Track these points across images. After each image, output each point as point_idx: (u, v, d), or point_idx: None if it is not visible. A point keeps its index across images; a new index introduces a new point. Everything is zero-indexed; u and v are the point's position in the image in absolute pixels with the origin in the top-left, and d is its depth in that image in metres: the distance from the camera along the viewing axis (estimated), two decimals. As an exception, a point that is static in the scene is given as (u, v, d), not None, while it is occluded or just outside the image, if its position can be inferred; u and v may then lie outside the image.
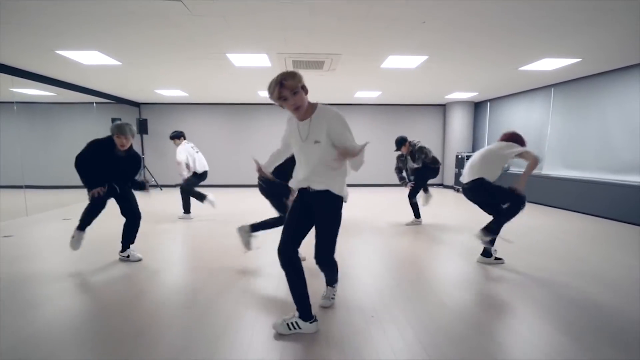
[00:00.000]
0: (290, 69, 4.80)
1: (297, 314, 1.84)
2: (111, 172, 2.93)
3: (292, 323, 1.82)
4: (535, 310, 2.15)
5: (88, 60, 4.41)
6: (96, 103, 7.87)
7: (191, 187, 4.77)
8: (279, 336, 1.80)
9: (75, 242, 3.03)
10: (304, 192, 1.82)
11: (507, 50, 4.05)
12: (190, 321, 1.98)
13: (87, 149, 2.86)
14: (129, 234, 3.15)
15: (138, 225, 3.16)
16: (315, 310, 1.91)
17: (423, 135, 8.77)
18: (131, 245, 3.16)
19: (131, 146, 2.94)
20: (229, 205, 5.85)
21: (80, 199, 7.15)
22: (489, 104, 7.97)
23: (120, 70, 4.95)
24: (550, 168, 6.14)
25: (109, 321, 1.97)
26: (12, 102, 7.77)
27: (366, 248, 3.48)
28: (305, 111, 1.69)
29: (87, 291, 2.44)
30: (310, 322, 1.83)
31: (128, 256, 3.10)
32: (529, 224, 4.59)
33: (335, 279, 2.19)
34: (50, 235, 4.04)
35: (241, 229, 2.96)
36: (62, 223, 4.62)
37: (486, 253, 3.13)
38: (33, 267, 2.92)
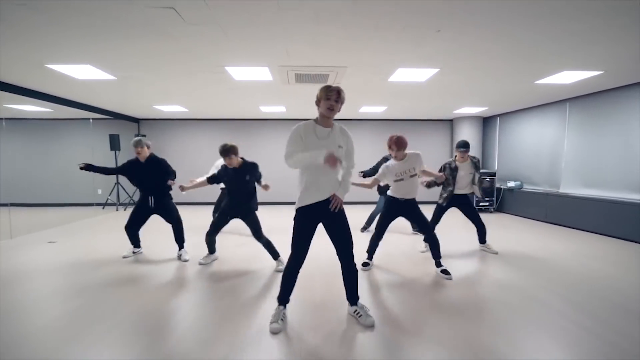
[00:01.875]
0: (293, 82, 4.57)
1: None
2: (142, 181, 3.72)
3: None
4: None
5: (81, 74, 4.20)
6: (92, 119, 7.68)
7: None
8: None
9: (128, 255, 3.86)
10: (317, 206, 2.13)
11: (525, 62, 3.78)
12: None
13: (121, 166, 3.79)
14: (176, 238, 3.87)
15: (180, 229, 3.87)
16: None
17: (429, 151, 8.48)
18: (183, 248, 3.86)
19: (152, 155, 3.76)
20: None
21: (71, 219, 6.81)
22: (498, 119, 7.70)
23: (115, 85, 4.74)
24: (568, 187, 5.78)
25: None
26: (1, 119, 7.63)
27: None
28: (329, 121, 2.15)
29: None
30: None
31: (180, 256, 3.80)
32: (549, 248, 4.20)
33: (357, 288, 2.33)
34: (34, 260, 3.70)
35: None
36: (47, 247, 4.30)
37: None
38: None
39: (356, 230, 5.06)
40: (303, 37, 3.07)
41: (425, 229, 3.35)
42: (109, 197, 7.82)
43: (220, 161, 4.57)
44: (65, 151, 8.29)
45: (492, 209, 7.27)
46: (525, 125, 6.86)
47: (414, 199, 3.24)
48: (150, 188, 3.71)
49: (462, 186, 3.87)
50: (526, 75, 4.31)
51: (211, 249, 3.61)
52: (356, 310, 2.25)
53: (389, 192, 3.32)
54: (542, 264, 3.58)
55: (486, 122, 8.10)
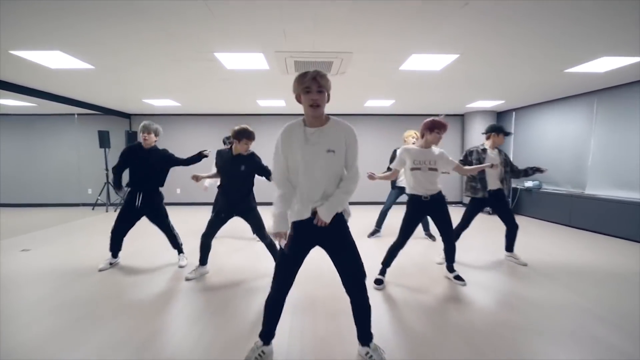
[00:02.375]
0: (292, 72, 4.07)
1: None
2: (135, 172, 3.26)
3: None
4: None
5: (53, 62, 3.73)
6: (78, 115, 7.23)
7: None
8: None
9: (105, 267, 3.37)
10: (304, 224, 1.64)
11: (557, 47, 3.27)
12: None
13: (121, 157, 3.31)
14: (172, 245, 3.52)
15: (172, 236, 3.48)
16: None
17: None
18: (183, 254, 3.53)
19: (156, 146, 3.36)
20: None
21: (56, 221, 6.29)
22: (514, 113, 7.16)
23: (95, 75, 4.27)
24: (595, 187, 5.26)
25: None
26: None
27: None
28: (318, 118, 1.63)
29: None
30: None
31: (179, 260, 3.49)
32: (582, 257, 3.69)
33: (370, 326, 1.82)
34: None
35: None
36: (18, 256, 3.85)
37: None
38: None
39: (362, 238, 4.60)
40: (302, 16, 2.58)
41: (449, 235, 2.88)
42: (99, 197, 7.39)
43: None
44: (49, 149, 7.83)
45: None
46: (545, 121, 6.33)
47: (439, 193, 2.83)
48: (140, 182, 3.26)
49: (494, 179, 3.40)
50: (556, 62, 3.79)
51: (204, 258, 3.13)
52: (368, 353, 1.77)
53: (408, 190, 2.88)
54: (578, 278, 3.09)
55: (500, 117, 7.56)
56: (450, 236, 2.91)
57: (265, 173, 3.04)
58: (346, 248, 1.68)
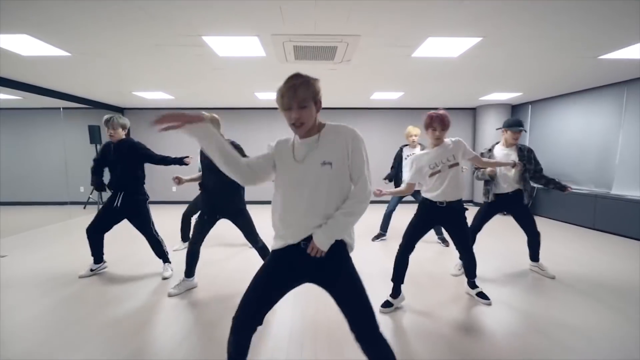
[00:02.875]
0: (292, 60, 3.65)
1: None
2: (111, 171, 3.02)
3: None
4: None
5: (23, 49, 3.33)
6: (64, 108, 6.84)
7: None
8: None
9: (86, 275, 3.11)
10: (292, 250, 1.30)
11: (594, 30, 2.82)
12: None
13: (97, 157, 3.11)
14: (156, 253, 3.15)
15: (155, 242, 3.10)
16: None
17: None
18: (167, 264, 3.16)
19: (127, 138, 3.03)
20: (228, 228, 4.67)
21: (45, 221, 5.84)
22: (530, 107, 6.70)
23: (74, 64, 3.87)
24: (623, 187, 4.82)
25: None
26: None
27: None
28: (310, 129, 1.31)
29: None
30: None
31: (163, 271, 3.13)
32: (609, 266, 3.28)
33: None
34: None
35: None
36: (-10, 263, 3.51)
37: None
38: None
39: (365, 240, 4.22)
40: (302, -15, 2.16)
41: (467, 249, 2.50)
42: (90, 196, 7.05)
43: None
44: (35, 144, 7.43)
45: (522, 211, 6.33)
46: (565, 114, 5.86)
47: (459, 202, 2.40)
48: (117, 180, 2.99)
49: (509, 180, 2.97)
50: (590, 47, 3.34)
51: (190, 269, 2.75)
52: None
53: (423, 193, 2.47)
54: (615, 294, 2.69)
55: (515, 111, 7.09)
56: (468, 250, 2.51)
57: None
58: (349, 288, 1.29)
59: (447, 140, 2.40)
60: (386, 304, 2.43)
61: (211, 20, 2.67)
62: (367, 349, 1.26)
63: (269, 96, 6.02)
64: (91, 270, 3.12)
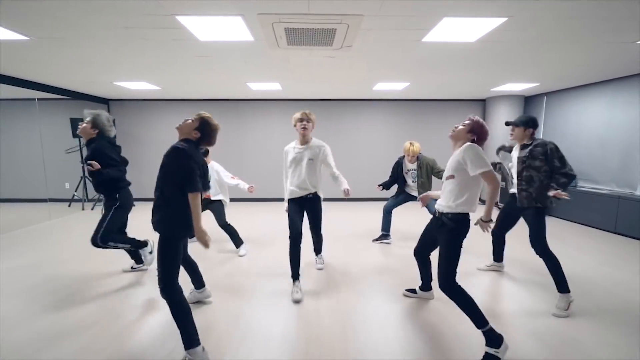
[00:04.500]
0: (284, 45, 3.19)
1: None
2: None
3: None
4: None
5: (-28, 32, 2.87)
6: (39, 99, 6.35)
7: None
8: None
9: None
10: (298, 198, 2.81)
11: (635, 12, 2.36)
12: None
13: None
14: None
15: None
16: None
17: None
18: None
19: (97, 136, 2.87)
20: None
21: (30, 220, 5.35)
22: (545, 98, 6.21)
23: (35, 48, 3.38)
24: (650, 188, 4.40)
25: None
26: None
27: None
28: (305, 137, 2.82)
29: None
30: None
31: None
32: (627, 271, 2.86)
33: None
34: None
35: None
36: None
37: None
38: None
39: (367, 241, 3.82)
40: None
41: (438, 272, 2.01)
42: (75, 193, 6.64)
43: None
44: (7, 138, 6.90)
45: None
46: (584, 106, 5.38)
47: (451, 217, 1.98)
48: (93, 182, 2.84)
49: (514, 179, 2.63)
50: (630, 30, 2.87)
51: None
52: None
53: (462, 209, 1.95)
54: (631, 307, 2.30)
55: (528, 102, 6.61)
56: (438, 275, 1.98)
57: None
58: (317, 215, 2.92)
59: (465, 143, 1.99)
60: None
61: (183, -4, 2.21)
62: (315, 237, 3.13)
63: (263, 87, 5.54)
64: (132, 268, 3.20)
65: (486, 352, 1.86)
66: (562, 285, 2.43)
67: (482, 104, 7.02)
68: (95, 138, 2.85)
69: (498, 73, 4.54)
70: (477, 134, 2.00)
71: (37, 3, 2.32)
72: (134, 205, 3.02)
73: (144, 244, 3.09)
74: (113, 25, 2.75)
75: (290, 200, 2.79)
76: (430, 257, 2.47)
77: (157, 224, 1.79)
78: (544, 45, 3.29)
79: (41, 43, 3.21)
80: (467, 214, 1.95)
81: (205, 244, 1.79)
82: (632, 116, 4.64)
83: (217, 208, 3.61)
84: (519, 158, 2.56)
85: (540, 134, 6.31)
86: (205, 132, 1.91)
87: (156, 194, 1.80)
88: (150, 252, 3.15)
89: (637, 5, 2.34)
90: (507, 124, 2.65)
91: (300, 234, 2.65)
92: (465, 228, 1.95)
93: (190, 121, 1.93)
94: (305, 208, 2.84)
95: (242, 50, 3.44)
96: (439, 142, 7.05)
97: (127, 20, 2.63)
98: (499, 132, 6.54)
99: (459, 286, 1.93)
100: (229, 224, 3.65)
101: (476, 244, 3.74)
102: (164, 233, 1.78)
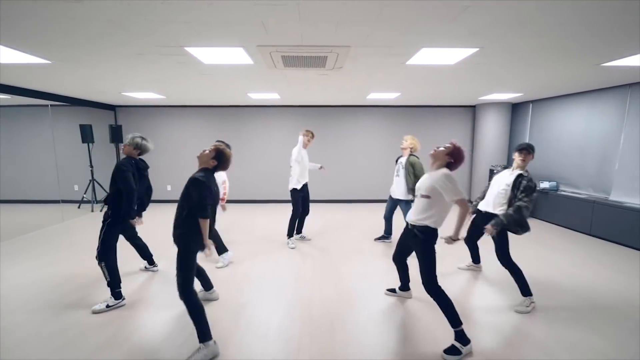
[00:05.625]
0: (281, 67, 3.51)
1: None
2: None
3: None
4: None
5: (4, 58, 3.19)
6: (51, 105, 6.67)
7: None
8: None
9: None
10: (305, 185, 4.26)
11: (598, 41, 2.67)
12: None
13: None
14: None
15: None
16: None
17: (447, 141, 7.38)
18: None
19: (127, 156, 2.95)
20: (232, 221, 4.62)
21: (38, 224, 5.57)
22: (531, 105, 6.52)
23: (56, 69, 3.72)
24: (622, 194, 4.73)
25: None
26: None
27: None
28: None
29: None
30: None
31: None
32: (599, 272, 3.20)
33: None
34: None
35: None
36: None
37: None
38: None
39: (368, 241, 4.17)
40: (282, 4, 2.02)
41: (422, 278, 2.32)
42: (84, 195, 6.99)
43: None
44: (23, 142, 7.29)
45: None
46: (566, 114, 5.70)
47: (420, 229, 2.29)
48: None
49: (489, 200, 2.92)
50: (591, 56, 3.18)
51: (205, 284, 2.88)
52: None
53: (430, 223, 2.25)
54: (606, 309, 2.64)
55: (515, 109, 6.92)
56: (422, 279, 2.27)
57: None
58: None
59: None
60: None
61: (194, 33, 2.53)
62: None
63: (262, 96, 5.86)
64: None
65: (452, 344, 2.19)
66: (524, 289, 2.78)
67: (472, 110, 7.33)
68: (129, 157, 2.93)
69: (482, 86, 4.86)
70: (455, 157, 2.29)
71: (59, 37, 2.64)
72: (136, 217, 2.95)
73: (118, 294, 2.78)
74: (127, 52, 3.07)
75: (298, 190, 4.19)
76: (407, 261, 2.80)
77: (177, 239, 2.14)
78: (517, 67, 3.61)
79: (61, 65, 3.53)
80: (436, 227, 2.28)
81: (208, 254, 2.19)
82: (608, 126, 4.95)
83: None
84: (521, 186, 2.66)
85: (525, 140, 6.64)
86: (221, 160, 2.24)
87: (177, 213, 2.15)
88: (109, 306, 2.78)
89: (593, 38, 2.65)
90: (521, 149, 2.86)
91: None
92: (435, 237, 2.28)
93: (207, 152, 2.24)
94: (305, 193, 4.28)
95: (242, 70, 3.75)
96: (432, 145, 7.38)
97: (140, 48, 2.95)
98: (487, 137, 6.88)
99: (441, 288, 2.23)
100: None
101: (457, 248, 4.08)
102: (183, 247, 2.13)
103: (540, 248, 4.34)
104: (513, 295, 2.97)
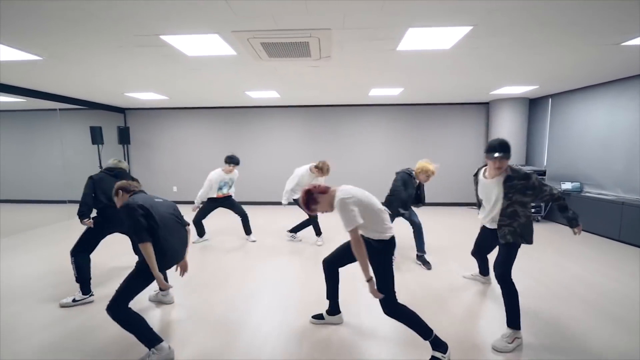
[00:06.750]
0: (266, 57, 3.38)
1: None
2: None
3: None
4: None
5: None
6: (60, 109, 6.93)
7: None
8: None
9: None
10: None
11: (613, 13, 2.33)
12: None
13: None
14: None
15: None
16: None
17: (459, 142, 7.00)
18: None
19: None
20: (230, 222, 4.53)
21: (43, 221, 5.73)
22: (550, 100, 6.03)
23: (49, 66, 3.78)
24: (655, 194, 4.18)
25: None
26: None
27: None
28: None
29: None
30: None
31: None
32: (631, 282, 2.75)
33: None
34: None
35: None
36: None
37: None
38: None
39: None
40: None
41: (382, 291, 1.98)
42: (94, 196, 7.15)
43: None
44: (33, 145, 7.63)
45: (539, 217, 5.74)
46: (589, 108, 5.20)
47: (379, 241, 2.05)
48: None
49: (494, 217, 2.33)
50: (609, 33, 2.82)
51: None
52: None
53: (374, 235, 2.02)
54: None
55: (533, 105, 6.44)
56: (380, 302, 1.98)
57: None
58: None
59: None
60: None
61: (163, 17, 2.44)
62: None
63: (261, 95, 5.78)
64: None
65: (433, 356, 1.92)
66: (513, 318, 2.16)
67: (486, 107, 6.90)
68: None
69: (489, 77, 4.51)
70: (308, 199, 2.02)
71: (44, 30, 2.64)
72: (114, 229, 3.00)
73: (86, 289, 2.76)
74: (108, 45, 3.05)
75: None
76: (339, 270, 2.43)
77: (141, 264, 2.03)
78: (522, 50, 3.28)
79: (52, 62, 3.59)
80: (380, 240, 1.99)
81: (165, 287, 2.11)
82: (636, 118, 4.44)
83: (233, 202, 4.44)
84: (506, 192, 2.17)
85: (545, 137, 6.14)
86: (126, 190, 2.20)
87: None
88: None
89: (609, 11, 2.32)
90: (495, 155, 2.11)
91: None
92: (386, 248, 2.00)
93: (117, 198, 2.21)
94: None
95: (229, 63, 3.66)
96: (442, 147, 7.03)
97: (119, 40, 2.92)
98: (504, 134, 6.40)
99: (401, 306, 1.97)
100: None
101: (461, 255, 3.73)
102: (142, 270, 2.00)
103: (559, 257, 3.87)
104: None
